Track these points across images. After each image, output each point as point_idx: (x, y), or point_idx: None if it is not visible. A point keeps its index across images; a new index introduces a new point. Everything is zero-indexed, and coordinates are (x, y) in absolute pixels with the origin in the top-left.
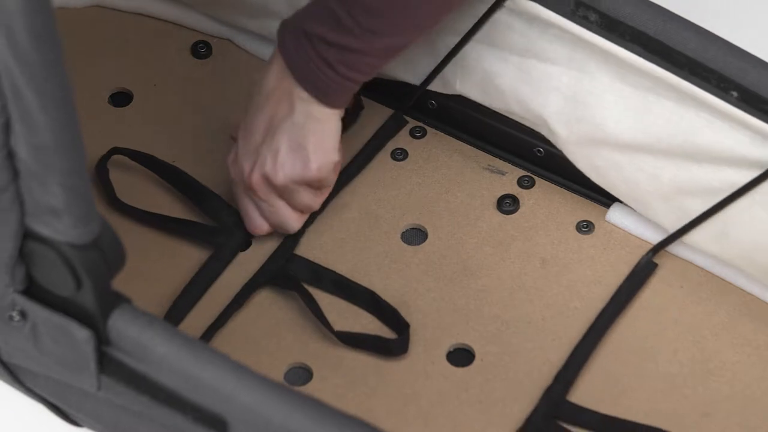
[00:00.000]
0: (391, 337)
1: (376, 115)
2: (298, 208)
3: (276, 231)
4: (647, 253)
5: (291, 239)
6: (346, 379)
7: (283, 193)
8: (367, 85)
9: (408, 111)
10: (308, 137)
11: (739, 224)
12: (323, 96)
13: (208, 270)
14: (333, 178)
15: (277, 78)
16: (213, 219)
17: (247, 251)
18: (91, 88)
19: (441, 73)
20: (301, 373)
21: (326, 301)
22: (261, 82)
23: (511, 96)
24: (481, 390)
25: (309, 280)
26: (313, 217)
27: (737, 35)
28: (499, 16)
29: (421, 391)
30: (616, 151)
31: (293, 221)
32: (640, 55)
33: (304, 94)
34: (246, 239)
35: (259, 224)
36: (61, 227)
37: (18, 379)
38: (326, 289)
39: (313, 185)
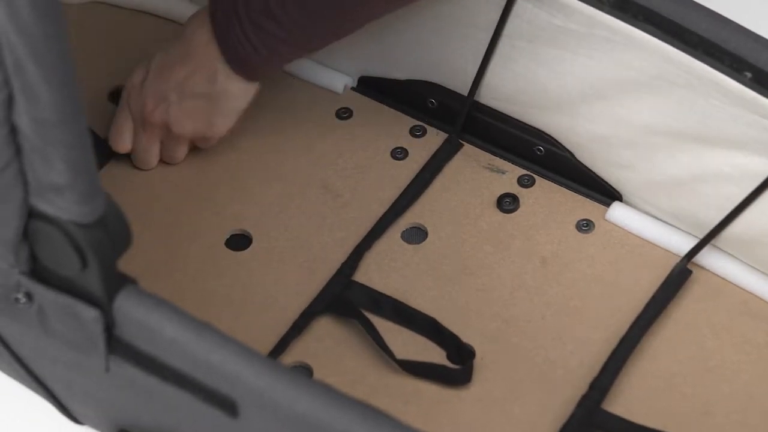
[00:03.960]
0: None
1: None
2: (166, 155)
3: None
4: (681, 260)
5: (348, 266)
6: (346, 378)
7: (169, 139)
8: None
9: (460, 133)
10: (220, 107)
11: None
12: (245, 72)
13: None
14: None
15: (206, 41)
16: None
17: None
18: (91, 87)
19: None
20: (302, 372)
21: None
22: (191, 34)
23: (528, 79)
24: (482, 389)
25: (368, 306)
26: (370, 242)
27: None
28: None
29: (421, 390)
30: (632, 133)
31: (153, 160)
32: (653, 35)
33: (228, 69)
34: (106, 159)
35: (124, 144)
36: (65, 205)
37: (26, 367)
38: (385, 315)
39: (200, 141)
